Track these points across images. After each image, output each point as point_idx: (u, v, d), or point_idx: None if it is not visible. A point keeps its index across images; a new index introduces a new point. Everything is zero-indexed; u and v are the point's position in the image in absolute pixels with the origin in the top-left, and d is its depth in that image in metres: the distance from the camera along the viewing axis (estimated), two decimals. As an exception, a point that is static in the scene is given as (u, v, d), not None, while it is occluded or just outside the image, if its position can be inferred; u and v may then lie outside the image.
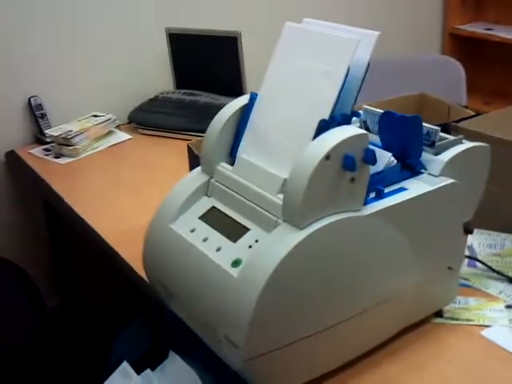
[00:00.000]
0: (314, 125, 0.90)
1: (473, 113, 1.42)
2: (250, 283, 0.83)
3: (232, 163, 1.01)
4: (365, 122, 1.09)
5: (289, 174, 0.86)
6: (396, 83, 2.42)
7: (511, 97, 1.59)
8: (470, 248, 1.23)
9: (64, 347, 1.81)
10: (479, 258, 1.20)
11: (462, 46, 3.08)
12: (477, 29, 3.00)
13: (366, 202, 0.90)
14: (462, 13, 3.07)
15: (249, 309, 0.82)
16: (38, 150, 1.95)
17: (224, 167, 1.01)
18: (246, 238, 0.91)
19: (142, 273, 1.12)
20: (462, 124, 1.28)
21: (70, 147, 1.87)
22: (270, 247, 0.85)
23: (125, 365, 1.00)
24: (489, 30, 2.96)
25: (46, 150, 1.95)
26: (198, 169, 1.05)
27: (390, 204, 0.91)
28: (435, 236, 0.98)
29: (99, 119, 2.00)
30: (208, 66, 2.15)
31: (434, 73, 2.53)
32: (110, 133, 2.02)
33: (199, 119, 1.94)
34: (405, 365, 0.98)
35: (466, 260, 1.20)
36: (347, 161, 0.84)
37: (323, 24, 0.98)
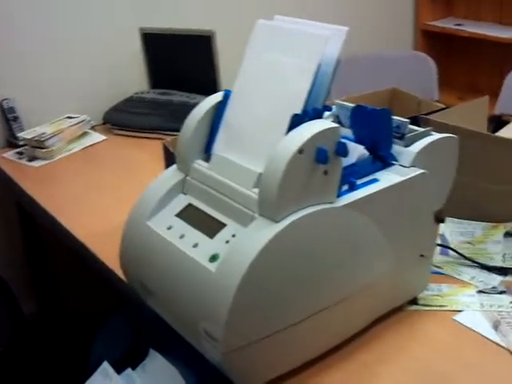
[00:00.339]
0: (287, 119, 0.91)
1: (442, 106, 1.45)
2: (227, 277, 0.85)
3: (207, 160, 1.03)
4: (337, 117, 1.11)
5: (263, 169, 0.87)
6: (369, 80, 2.46)
7: (483, 91, 1.62)
8: (442, 236, 1.26)
9: (43, 350, 1.80)
10: (451, 246, 1.23)
11: (434, 42, 3.12)
12: (447, 24, 3.04)
13: (339, 194, 0.92)
14: (432, 9, 3.11)
15: (227, 302, 0.83)
16: (10, 154, 1.93)
17: (199, 164, 1.02)
18: (223, 234, 0.92)
19: (119, 272, 1.13)
20: (431, 117, 1.31)
21: (44, 150, 1.85)
22: (246, 241, 0.86)
23: (105, 365, 1.01)
24: (459, 25, 3.01)
25: (18, 153, 1.93)
26: (174, 167, 1.06)
27: (363, 195, 0.93)
28: (407, 225, 1.01)
29: (73, 121, 1.98)
30: (183, 66, 2.16)
31: (407, 69, 2.57)
32: (84, 134, 2.01)
33: (174, 118, 1.95)
34: (381, 352, 1.00)
35: (439, 248, 1.23)
36: (320, 154, 0.86)
37: (294, 21, 1.00)
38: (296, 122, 0.90)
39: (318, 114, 0.92)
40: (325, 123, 0.88)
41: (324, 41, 0.91)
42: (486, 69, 3.10)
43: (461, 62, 3.20)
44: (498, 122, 2.05)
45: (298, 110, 0.92)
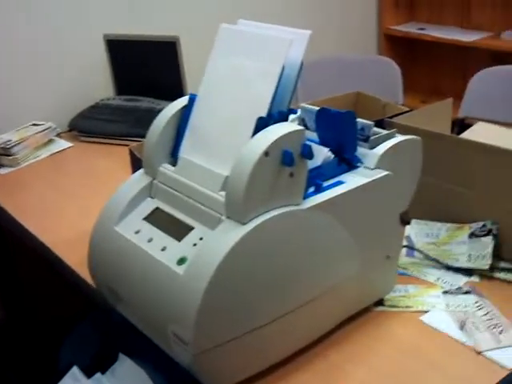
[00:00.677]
0: (253, 123, 0.92)
1: (406, 108, 1.47)
2: (195, 280, 0.85)
3: (174, 164, 1.03)
4: (303, 120, 1.12)
5: (230, 172, 0.88)
6: (334, 84, 2.48)
7: (447, 94, 1.65)
8: (408, 238, 1.28)
9: (11, 357, 1.78)
10: (417, 247, 1.25)
11: (397, 46, 3.17)
12: (410, 29, 3.09)
13: (305, 196, 0.93)
14: (395, 14, 3.16)
15: (195, 304, 0.83)
16: (-25, 162, 1.91)
17: (166, 168, 1.03)
18: (191, 237, 0.93)
19: (87, 278, 1.13)
20: (395, 119, 1.33)
21: (10, 157, 1.85)
22: (213, 243, 0.87)
23: (74, 369, 1.00)
24: (421, 29, 3.05)
25: (-16, 161, 1.91)
26: (141, 171, 1.07)
27: (329, 197, 0.94)
28: (373, 226, 1.02)
29: (39, 128, 1.97)
30: (148, 72, 2.15)
31: (371, 73, 2.60)
32: (50, 141, 2.00)
33: (141, 124, 1.94)
34: (350, 353, 1.01)
35: (404, 249, 1.25)
36: (286, 156, 0.87)
37: (258, 25, 1.01)
38: (261, 124, 0.91)
39: (283, 117, 0.93)
40: (290, 126, 0.89)
41: (287, 44, 0.92)
42: (449, 72, 3.15)
43: (424, 66, 3.25)
44: (461, 125, 2.09)
45: (263, 113, 0.93)
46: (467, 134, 1.40)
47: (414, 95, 2.94)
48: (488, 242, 1.20)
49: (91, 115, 2.09)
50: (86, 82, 2.21)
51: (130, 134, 1.96)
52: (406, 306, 1.11)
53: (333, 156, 1.01)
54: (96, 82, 2.22)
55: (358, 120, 1.04)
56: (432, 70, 3.24)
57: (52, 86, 2.14)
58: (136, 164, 1.34)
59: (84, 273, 1.17)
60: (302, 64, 0.94)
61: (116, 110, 2.10)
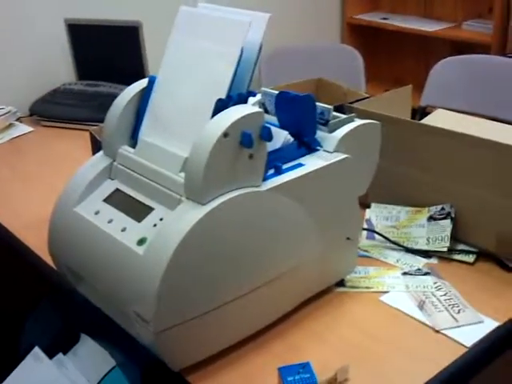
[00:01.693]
0: (212, 104, 0.93)
1: (366, 95, 1.49)
2: (155, 259, 0.85)
3: (134, 146, 1.03)
4: (263, 104, 1.13)
5: (189, 153, 0.88)
6: (297, 72, 2.48)
7: (409, 84, 1.67)
8: (368, 221, 1.29)
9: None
10: (377, 230, 1.27)
11: (361, 36, 3.19)
12: (373, 18, 3.12)
13: (265, 178, 0.94)
14: (359, 3, 3.18)
15: (155, 283, 0.84)
16: None
17: (126, 150, 1.03)
18: (151, 218, 0.93)
19: (48, 259, 1.12)
20: (355, 105, 1.34)
21: (-31, 141, 1.83)
22: (173, 224, 0.87)
23: (36, 350, 1.00)
24: (385, 19, 3.08)
25: None
26: (101, 153, 1.06)
27: (288, 179, 0.95)
28: (332, 208, 1.03)
29: (-1, 112, 1.95)
30: (110, 57, 2.14)
31: (334, 61, 2.62)
32: (10, 126, 1.98)
33: (103, 109, 1.88)
34: (309, 333, 1.03)
35: (365, 232, 1.26)
36: (245, 138, 0.88)
37: (217, 8, 1.01)
38: (220, 106, 0.92)
39: (242, 99, 0.94)
40: (249, 108, 0.90)
41: (246, 26, 0.93)
42: (411, 62, 3.19)
43: (387, 56, 3.28)
44: (423, 113, 2.12)
45: (223, 95, 0.93)
46: (426, 120, 1.42)
47: (377, 84, 2.97)
48: (446, 225, 1.22)
49: (52, 100, 2.07)
50: (48, 67, 2.19)
51: (91, 118, 1.94)
52: (367, 287, 1.13)
53: (292, 139, 1.02)
54: (57, 67, 2.21)
55: (318, 104, 1.05)
56: (395, 59, 3.28)
57: (13, 71, 2.12)
58: (96, 147, 1.34)
59: (45, 255, 1.17)
60: (261, 46, 0.95)
61: (77, 95, 2.08)
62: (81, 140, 1.84)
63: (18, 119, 2.02)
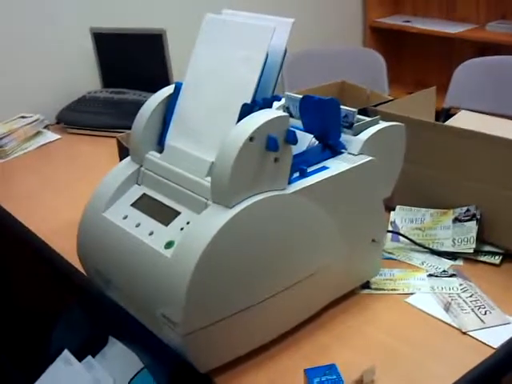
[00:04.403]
0: (237, 109, 0.94)
1: (390, 97, 1.49)
2: (183, 262, 0.87)
3: (161, 151, 1.04)
4: (287, 108, 1.14)
5: (215, 157, 0.90)
6: (320, 76, 2.49)
7: (432, 86, 1.67)
8: (393, 223, 1.30)
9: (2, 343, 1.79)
10: (401, 232, 1.27)
11: (383, 39, 3.19)
12: (396, 21, 3.11)
13: (290, 181, 0.95)
14: (381, 6, 3.18)
15: (183, 286, 0.85)
16: (-35, 153, 1.92)
17: (153, 155, 1.04)
18: (178, 221, 0.94)
19: (77, 264, 1.14)
20: (379, 107, 1.34)
21: (-1, 149, 1.86)
22: (200, 227, 0.88)
23: (66, 353, 1.02)
24: (407, 22, 3.08)
25: (-27, 153, 1.92)
26: (128, 159, 1.08)
27: (313, 182, 0.96)
28: (358, 211, 1.04)
29: (27, 120, 1.98)
30: (134, 64, 2.16)
31: (357, 65, 2.62)
32: (38, 133, 2.01)
33: (127, 116, 1.91)
34: (335, 334, 1.03)
35: (390, 235, 1.27)
36: (270, 141, 0.89)
37: (242, 14, 1.02)
38: (246, 111, 0.93)
39: (267, 104, 0.95)
40: (274, 112, 0.91)
41: (270, 32, 0.94)
42: (434, 64, 3.18)
43: (409, 58, 3.27)
44: (446, 115, 2.11)
45: (248, 100, 0.94)
46: (451, 122, 1.42)
47: (400, 87, 2.96)
48: (472, 227, 1.22)
49: (78, 107, 2.10)
50: (74, 75, 2.22)
51: (116, 125, 1.97)
52: (392, 289, 1.13)
53: (317, 142, 1.03)
54: (83, 75, 2.24)
55: (342, 107, 1.06)
56: (417, 62, 3.27)
57: (40, 79, 2.15)
58: (123, 153, 1.36)
59: (73, 260, 1.19)
60: (285, 51, 0.96)
61: (103, 103, 2.11)
62: (106, 147, 1.87)
63: (46, 127, 2.05)
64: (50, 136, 2.02)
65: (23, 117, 2.01)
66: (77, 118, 2.07)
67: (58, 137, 2.02)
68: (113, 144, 1.55)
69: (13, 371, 0.97)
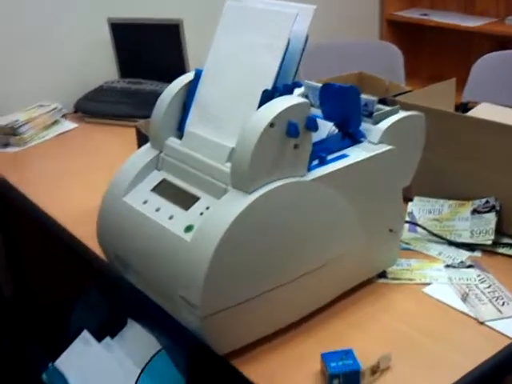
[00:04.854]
0: (258, 95, 0.94)
1: (409, 88, 1.48)
2: (202, 246, 0.87)
3: (180, 137, 1.05)
4: (306, 97, 1.14)
5: (235, 143, 0.90)
6: (336, 69, 2.49)
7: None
8: (411, 214, 1.29)
9: (21, 329, 1.81)
10: (419, 223, 1.27)
11: (400, 32, 3.17)
12: (413, 14, 3.09)
13: (309, 169, 0.95)
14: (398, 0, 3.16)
15: (203, 269, 0.86)
16: (-17, 141, 1.94)
17: (173, 141, 1.05)
18: (197, 206, 0.95)
19: (95, 249, 1.15)
20: (398, 98, 1.34)
21: (17, 136, 1.87)
22: (220, 212, 0.89)
23: (85, 333, 1.03)
24: (425, 15, 3.06)
25: (-9, 140, 1.94)
26: (148, 145, 1.09)
27: (332, 170, 0.96)
28: (376, 199, 1.04)
29: (45, 109, 2.00)
30: (151, 55, 2.17)
31: (374, 58, 2.60)
32: (56, 122, 2.02)
33: (144, 106, 1.96)
34: (351, 322, 1.03)
35: (407, 225, 1.26)
36: (291, 127, 0.89)
37: (263, 1, 1.02)
38: (267, 97, 0.93)
39: (288, 90, 0.95)
40: (295, 98, 0.91)
41: (292, 18, 0.94)
42: (452, 58, 3.16)
43: (427, 52, 3.25)
44: (464, 110, 2.10)
45: (269, 86, 0.94)
46: (471, 114, 1.41)
47: (416, 82, 2.93)
48: (491, 218, 1.21)
49: (96, 97, 2.11)
50: (92, 65, 2.23)
51: (133, 115, 1.98)
52: (409, 279, 1.13)
53: (337, 130, 1.03)
54: (100, 65, 2.25)
55: (362, 96, 1.06)
56: (435, 56, 3.24)
57: (58, 69, 2.16)
58: (142, 141, 1.36)
59: (92, 245, 1.20)
60: (307, 37, 0.96)
61: (120, 93, 2.12)
62: (123, 136, 1.89)
63: (63, 116, 2.07)
64: (68, 125, 2.04)
65: (42, 105, 2.02)
66: (94, 107, 2.08)
67: (76, 126, 2.04)
68: (129, 133, 1.56)
69: (35, 350, 0.99)
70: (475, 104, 1.67)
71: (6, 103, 2.01)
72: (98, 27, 2.18)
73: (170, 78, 2.09)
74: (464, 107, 2.22)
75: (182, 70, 2.05)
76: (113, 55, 2.22)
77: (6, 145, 1.89)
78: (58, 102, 2.06)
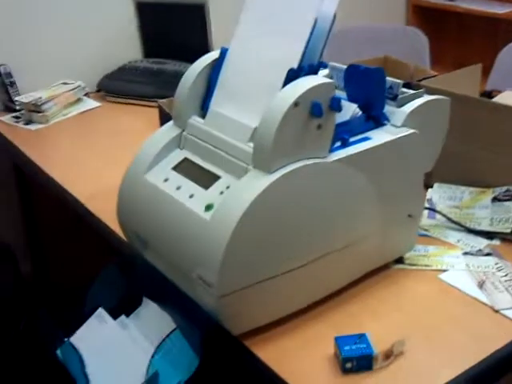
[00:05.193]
0: (283, 75, 0.94)
1: (435, 73, 1.47)
2: (221, 225, 0.87)
3: (203, 116, 1.05)
4: (331, 78, 1.13)
5: (258, 123, 0.90)
6: (361, 53, 2.47)
7: (474, 66, 1.68)
8: (430, 201, 1.29)
9: (38, 307, 1.83)
10: (438, 209, 1.26)
11: (426, 18, 3.14)
12: (439, 0, 3.06)
13: (332, 150, 0.94)
14: (425, -16, 3.12)
15: (221, 248, 0.86)
16: (7, 118, 1.96)
17: (196, 120, 1.05)
18: (218, 185, 0.95)
19: (114, 227, 1.16)
20: (423, 82, 1.33)
21: (40, 114, 1.89)
22: (240, 191, 0.89)
23: (100, 310, 1.04)
24: (451, 1, 3.02)
25: (15, 117, 1.96)
26: (170, 123, 1.09)
27: (354, 152, 0.96)
28: (397, 183, 1.03)
29: (68, 86, 2.01)
30: (176, 35, 2.17)
31: (399, 43, 2.58)
32: (79, 100, 2.04)
33: (167, 87, 1.95)
34: (366, 306, 1.03)
35: (426, 212, 1.26)
36: (315, 107, 0.88)
37: (290, -20, 1.01)
38: (291, 76, 0.92)
39: (313, 70, 0.95)
40: (320, 78, 0.91)
41: (320, -3, 0.93)
42: (477, 45, 3.12)
43: (452, 39, 3.21)
44: (488, 98, 2.08)
45: (294, 66, 0.94)
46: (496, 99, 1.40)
47: (441, 69, 2.89)
48: (511, 207, 1.20)
49: (119, 76, 2.12)
50: (115, 44, 2.23)
51: (155, 95, 1.96)
52: (426, 265, 1.13)
53: (360, 112, 1.02)
54: (124, 45, 2.25)
55: (387, 78, 1.05)
56: (460, 43, 3.21)
57: (82, 48, 2.17)
58: (165, 120, 1.36)
59: (111, 222, 1.21)
60: (334, 18, 0.95)
61: (143, 72, 2.12)
62: (145, 115, 1.89)
63: (86, 94, 2.08)
64: (91, 103, 2.05)
65: (65, 83, 2.03)
66: (117, 86, 2.08)
67: (98, 104, 2.05)
68: (151, 113, 1.56)
69: (51, 326, 1.00)
70: (499, 93, 1.65)
71: (30, 81, 2.02)
72: (124, 6, 2.19)
73: (193, 59, 2.08)
74: (488, 95, 2.20)
75: (206, 51, 2.02)
76: (137, 35, 2.22)
77: (29, 122, 1.91)
78: (81, 80, 2.07)
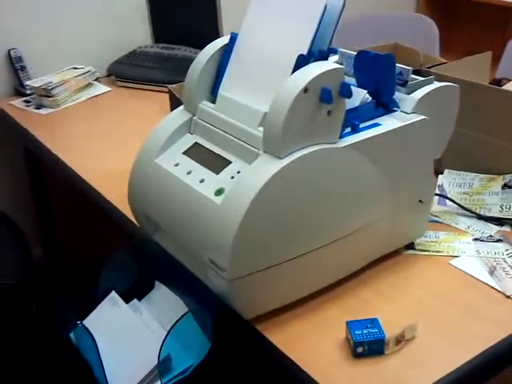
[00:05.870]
0: (293, 60, 0.94)
1: (444, 60, 1.47)
2: (232, 209, 0.88)
3: (214, 101, 1.05)
4: (341, 64, 1.13)
5: (269, 108, 0.90)
6: (371, 41, 2.46)
7: (484, 56, 1.68)
8: (441, 187, 1.29)
9: (49, 291, 1.85)
10: (449, 196, 1.26)
11: (436, 5, 3.12)
12: (450, -13, 3.04)
13: (342, 136, 0.95)
14: (436, -28, 3.11)
15: (232, 232, 0.86)
16: (18, 102, 1.97)
17: (206, 105, 1.05)
18: (229, 170, 0.95)
19: (125, 211, 1.16)
20: (433, 69, 1.33)
21: (51, 98, 1.90)
22: (251, 176, 0.89)
23: (113, 294, 1.05)
24: (462, -12, 3.01)
25: (26, 101, 1.97)
26: (181, 108, 1.09)
27: (364, 137, 0.96)
28: (407, 169, 1.03)
29: (79, 71, 2.02)
30: (186, 21, 2.17)
31: (409, 31, 2.57)
32: (89, 85, 2.05)
33: (177, 72, 1.97)
34: (378, 291, 1.04)
35: (437, 198, 1.26)
36: (324, 93, 0.88)
37: (301, -34, 1.01)
38: (301, 62, 0.92)
39: (323, 56, 0.95)
40: (330, 64, 0.91)
41: (331, -18, 0.93)
42: (488, 34, 3.09)
43: (463, 27, 3.19)
44: (498, 86, 2.07)
45: (304, 51, 0.94)
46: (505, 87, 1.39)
47: (451, 57, 2.87)
48: (521, 193, 1.21)
49: (129, 61, 2.13)
50: (125, 30, 2.24)
51: (166, 81, 1.98)
52: (436, 251, 1.13)
53: (370, 98, 1.02)
54: (135, 30, 2.25)
55: (397, 65, 1.05)
56: (470, 30, 3.19)
57: (93, 33, 2.18)
58: (175, 105, 1.37)
59: (122, 206, 1.22)
60: (344, 4, 0.95)
61: (153, 58, 2.13)
62: (155, 100, 1.90)
63: (97, 79, 2.08)
64: (101, 88, 2.06)
65: (75, 68, 2.04)
66: (127, 71, 2.09)
67: (109, 89, 2.05)
68: (161, 98, 1.57)
69: (64, 309, 1.00)
70: (508, 81, 1.64)
71: (41, 65, 2.04)
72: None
73: (203, 45, 2.08)
74: (497, 84, 2.18)
75: (216, 37, 2.03)
76: (147, 20, 2.22)
77: (40, 106, 1.92)
78: (92, 65, 2.08)
